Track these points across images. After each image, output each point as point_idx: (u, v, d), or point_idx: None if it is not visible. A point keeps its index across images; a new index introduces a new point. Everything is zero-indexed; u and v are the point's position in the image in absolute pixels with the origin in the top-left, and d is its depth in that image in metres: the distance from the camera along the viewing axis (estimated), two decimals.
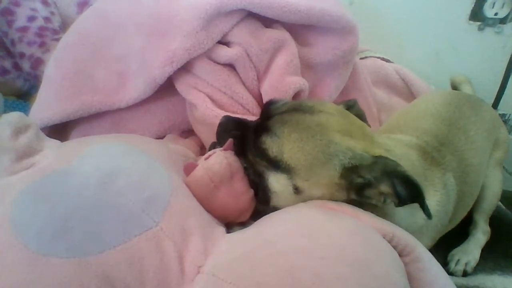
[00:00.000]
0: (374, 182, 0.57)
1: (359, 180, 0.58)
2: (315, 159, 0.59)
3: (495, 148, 1.00)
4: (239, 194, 0.64)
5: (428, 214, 0.55)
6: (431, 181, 0.72)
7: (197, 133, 0.91)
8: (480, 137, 0.92)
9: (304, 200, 0.61)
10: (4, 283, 0.44)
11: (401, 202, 0.56)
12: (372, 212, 0.59)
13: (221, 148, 0.66)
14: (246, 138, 0.67)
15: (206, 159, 0.64)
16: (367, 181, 0.57)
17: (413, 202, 0.56)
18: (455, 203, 0.78)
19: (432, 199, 0.71)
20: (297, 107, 0.65)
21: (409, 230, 0.59)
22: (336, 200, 0.60)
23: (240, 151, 0.67)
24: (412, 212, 0.65)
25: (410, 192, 0.55)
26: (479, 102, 1.03)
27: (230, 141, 0.67)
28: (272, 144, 0.61)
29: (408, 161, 0.68)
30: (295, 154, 0.60)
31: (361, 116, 0.72)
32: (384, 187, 0.56)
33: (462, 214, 0.90)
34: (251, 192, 0.66)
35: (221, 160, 0.63)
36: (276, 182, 0.62)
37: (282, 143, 0.61)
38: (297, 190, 0.60)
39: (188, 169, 0.64)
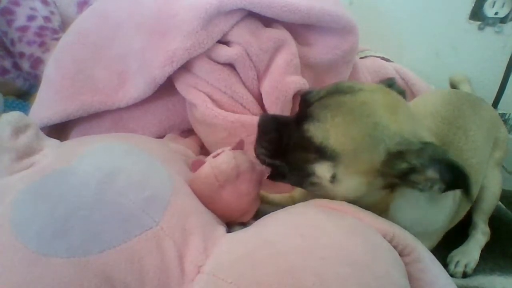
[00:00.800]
0: (420, 168, 0.55)
1: (404, 165, 0.56)
2: (360, 144, 0.56)
3: (495, 148, 1.00)
4: (243, 194, 0.64)
5: (471, 200, 0.57)
6: (443, 198, 0.70)
7: (197, 133, 0.91)
8: (480, 136, 0.91)
9: (334, 193, 0.59)
10: (4, 283, 0.44)
11: (447, 188, 0.55)
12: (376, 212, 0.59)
13: (230, 147, 0.66)
14: (283, 137, 0.64)
15: (214, 157, 0.64)
16: (413, 166, 0.55)
17: (458, 188, 0.55)
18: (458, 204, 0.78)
19: (446, 202, 0.70)
20: (334, 90, 0.61)
21: (417, 232, 0.58)
22: (369, 188, 0.58)
23: (277, 152, 0.64)
24: (424, 213, 0.65)
25: (457, 179, 0.54)
26: (478, 101, 1.03)
27: (240, 140, 0.67)
28: (317, 131, 0.57)
29: None
30: (341, 139, 0.56)
31: (402, 94, 0.67)
32: (432, 173, 0.55)
33: (462, 214, 0.90)
34: (255, 193, 0.66)
35: (229, 159, 0.63)
36: (321, 171, 0.58)
37: (327, 129, 0.57)
38: (333, 179, 0.58)
39: (196, 165, 0.64)
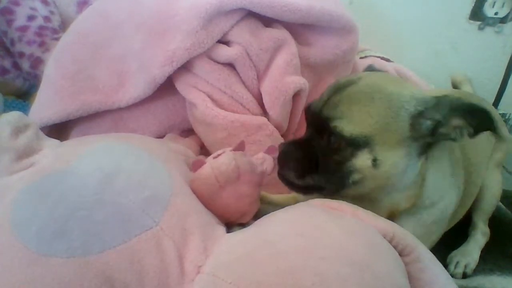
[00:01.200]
0: (444, 120, 0.58)
1: (429, 122, 0.59)
2: (384, 118, 0.59)
3: (495, 148, 1.00)
4: (243, 196, 0.64)
5: (504, 136, 0.60)
6: (456, 177, 0.72)
7: (197, 133, 0.91)
8: (482, 136, 0.91)
9: (382, 177, 0.61)
10: (4, 283, 0.44)
11: (475, 131, 0.58)
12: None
13: (231, 148, 0.66)
14: (307, 155, 0.64)
15: (215, 158, 0.64)
16: (438, 121, 0.59)
17: (486, 129, 0.59)
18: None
19: (453, 195, 0.71)
20: (336, 88, 0.64)
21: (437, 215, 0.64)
22: (409, 158, 0.61)
23: (306, 169, 0.64)
24: (448, 186, 0.68)
25: (481, 120, 0.57)
26: (480, 100, 1.03)
27: (241, 142, 0.67)
28: (343, 125, 0.59)
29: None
30: (365, 122, 0.59)
31: None
32: (456, 121, 0.58)
33: (461, 213, 0.90)
34: (255, 194, 0.66)
35: (229, 161, 0.62)
36: (361, 162, 0.60)
37: (349, 120, 0.59)
38: (375, 162, 0.59)
39: (196, 165, 0.64)
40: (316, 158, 0.63)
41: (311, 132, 0.66)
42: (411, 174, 0.63)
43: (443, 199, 0.68)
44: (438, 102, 0.59)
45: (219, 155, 0.64)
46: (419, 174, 0.63)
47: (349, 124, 0.59)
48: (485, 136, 0.93)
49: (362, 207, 0.60)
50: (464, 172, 0.77)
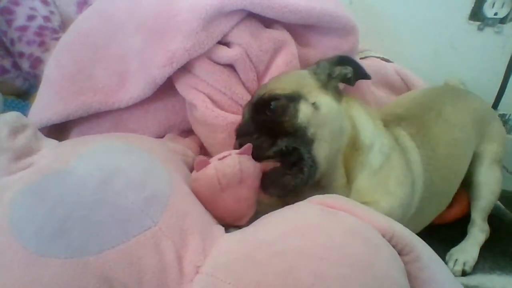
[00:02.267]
0: (332, 71, 0.79)
1: (323, 75, 0.78)
2: (298, 79, 0.78)
3: (487, 141, 1.01)
4: (242, 199, 0.64)
5: (367, 74, 0.82)
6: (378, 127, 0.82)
7: (197, 133, 0.90)
8: (457, 117, 0.94)
9: (327, 119, 0.72)
10: (2, 284, 0.44)
11: (354, 72, 0.80)
12: None
13: (238, 151, 0.65)
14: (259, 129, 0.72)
15: (220, 159, 0.64)
16: (329, 72, 0.79)
17: (352, 67, 0.80)
18: (425, 173, 0.83)
19: (384, 137, 0.79)
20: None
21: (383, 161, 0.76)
22: (334, 100, 0.75)
23: (271, 137, 0.70)
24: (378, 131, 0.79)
25: (353, 66, 0.80)
26: (466, 92, 1.06)
27: (248, 145, 0.67)
28: (276, 89, 0.73)
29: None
30: (288, 83, 0.75)
31: None
32: (338, 69, 0.79)
33: (442, 198, 0.92)
34: (254, 198, 0.66)
35: (234, 164, 0.63)
36: (304, 110, 0.71)
37: (278, 86, 0.74)
38: (315, 105, 0.72)
39: (200, 165, 0.63)
40: (273, 133, 0.70)
41: (249, 123, 0.75)
42: (343, 116, 0.75)
43: (378, 138, 0.78)
44: (319, 62, 0.80)
45: (224, 157, 0.64)
46: (348, 117, 0.76)
47: (279, 88, 0.73)
48: (465, 119, 0.95)
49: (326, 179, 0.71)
50: (425, 142, 0.86)
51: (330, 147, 0.71)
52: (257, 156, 0.68)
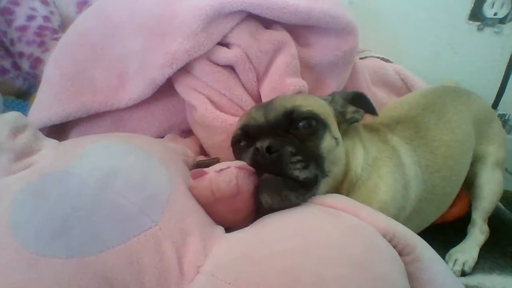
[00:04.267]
0: (344, 109, 0.78)
1: (340, 110, 0.77)
2: (324, 105, 0.75)
3: (488, 142, 1.01)
4: (238, 210, 0.63)
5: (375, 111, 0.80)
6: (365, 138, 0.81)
7: (196, 134, 0.91)
8: (459, 119, 0.94)
9: (341, 156, 0.71)
10: (2, 284, 0.44)
11: (365, 110, 0.79)
12: None
13: (237, 166, 0.61)
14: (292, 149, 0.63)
15: (217, 171, 0.61)
16: (341, 111, 0.77)
17: (367, 107, 0.79)
18: (423, 175, 0.83)
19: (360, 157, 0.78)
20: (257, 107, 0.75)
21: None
22: (340, 139, 0.72)
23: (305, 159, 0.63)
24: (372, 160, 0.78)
25: (363, 103, 0.79)
26: (467, 92, 1.05)
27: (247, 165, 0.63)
28: (305, 106, 0.69)
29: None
30: (316, 105, 0.72)
31: None
32: (351, 108, 0.78)
33: (443, 199, 0.91)
34: (251, 208, 0.64)
35: (230, 179, 0.60)
36: (328, 140, 0.68)
37: (306, 104, 0.70)
38: (336, 141, 0.70)
39: (196, 175, 0.62)
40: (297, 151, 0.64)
41: (269, 140, 0.63)
42: (343, 159, 0.73)
43: (368, 159, 0.77)
44: (332, 99, 0.78)
45: (222, 170, 0.61)
46: (346, 152, 0.74)
47: (311, 106, 0.69)
48: (467, 120, 0.95)
49: None
50: (422, 144, 0.86)
51: (333, 183, 0.70)
52: (284, 170, 0.61)
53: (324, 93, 0.98)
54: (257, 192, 0.63)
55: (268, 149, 0.61)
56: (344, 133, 0.76)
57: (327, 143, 0.67)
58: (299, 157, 0.62)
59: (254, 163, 0.63)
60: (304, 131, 0.66)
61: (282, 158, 0.61)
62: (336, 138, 0.70)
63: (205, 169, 0.62)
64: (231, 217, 0.63)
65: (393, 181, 0.76)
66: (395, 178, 0.77)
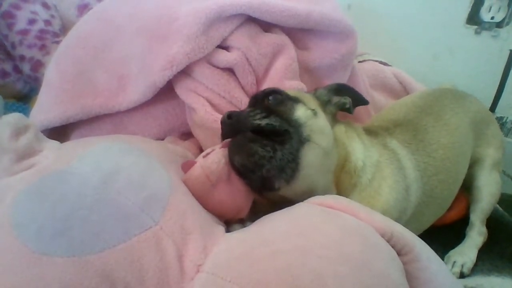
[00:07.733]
0: (330, 98, 0.80)
1: (325, 98, 0.80)
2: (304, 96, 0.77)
3: (486, 144, 1.01)
4: (236, 191, 0.64)
5: (364, 100, 0.84)
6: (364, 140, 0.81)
7: (196, 137, 0.91)
8: (457, 121, 0.94)
9: (321, 130, 0.70)
10: (4, 283, 0.44)
11: (352, 100, 0.81)
12: None
13: (220, 146, 0.65)
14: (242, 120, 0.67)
15: (204, 157, 0.64)
16: (328, 99, 0.80)
17: (351, 97, 0.81)
18: (422, 179, 0.83)
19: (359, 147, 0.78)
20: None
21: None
22: (327, 120, 0.74)
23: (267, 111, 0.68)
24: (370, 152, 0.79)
25: (351, 94, 0.81)
26: (464, 95, 1.05)
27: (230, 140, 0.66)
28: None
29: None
30: (292, 92, 0.76)
31: None
32: (336, 98, 0.80)
33: (442, 202, 0.91)
34: (247, 188, 0.66)
35: (219, 158, 0.63)
36: (302, 111, 0.70)
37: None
38: (314, 111, 0.71)
39: (186, 166, 0.63)
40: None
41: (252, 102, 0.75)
42: (332, 138, 0.72)
43: (369, 157, 0.77)
44: (316, 89, 0.82)
45: (208, 154, 0.64)
46: (341, 143, 0.75)
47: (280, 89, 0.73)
48: (464, 122, 0.96)
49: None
50: (420, 147, 0.86)
51: (322, 158, 0.68)
52: (244, 124, 0.64)
53: None
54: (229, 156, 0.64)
55: (229, 116, 0.66)
56: (344, 132, 0.78)
57: (301, 112, 0.69)
58: (257, 111, 0.67)
59: (224, 137, 0.68)
60: (273, 102, 0.71)
61: (240, 117, 0.66)
62: (313, 109, 0.71)
63: (193, 160, 0.64)
64: (230, 201, 0.63)
65: (395, 183, 0.77)
66: (397, 180, 0.77)
